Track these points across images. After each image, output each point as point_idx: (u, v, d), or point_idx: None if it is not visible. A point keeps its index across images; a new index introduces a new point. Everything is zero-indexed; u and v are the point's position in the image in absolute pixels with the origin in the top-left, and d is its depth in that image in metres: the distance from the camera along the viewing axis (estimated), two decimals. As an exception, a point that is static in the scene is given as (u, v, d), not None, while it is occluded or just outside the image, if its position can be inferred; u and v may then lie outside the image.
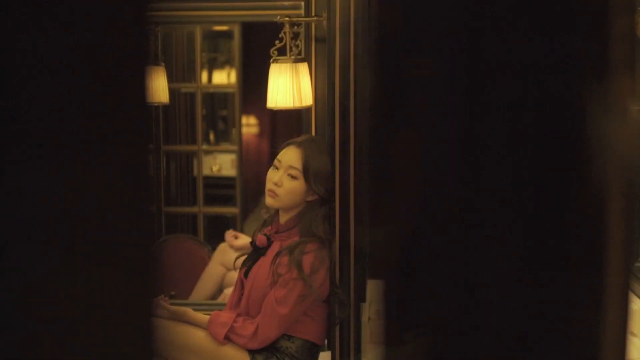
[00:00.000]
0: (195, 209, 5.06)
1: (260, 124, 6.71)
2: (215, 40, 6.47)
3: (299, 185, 2.84)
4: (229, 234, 3.89)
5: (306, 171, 2.83)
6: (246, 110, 6.20)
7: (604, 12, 0.58)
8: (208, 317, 2.85)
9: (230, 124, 6.33)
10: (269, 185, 2.86)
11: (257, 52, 6.11)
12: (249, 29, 5.54)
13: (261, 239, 2.91)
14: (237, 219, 5.05)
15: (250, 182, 6.15)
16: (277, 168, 2.87)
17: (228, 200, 5.84)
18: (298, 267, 2.73)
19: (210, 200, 5.43)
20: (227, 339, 2.80)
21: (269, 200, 2.88)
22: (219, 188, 5.80)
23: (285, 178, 2.84)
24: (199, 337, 2.82)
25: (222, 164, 6.23)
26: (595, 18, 0.57)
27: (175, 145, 5.40)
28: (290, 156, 2.86)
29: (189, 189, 5.57)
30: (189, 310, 2.88)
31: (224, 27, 6.08)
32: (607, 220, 0.60)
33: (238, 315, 2.84)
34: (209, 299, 3.78)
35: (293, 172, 2.84)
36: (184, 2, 3.96)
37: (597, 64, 0.57)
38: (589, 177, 0.59)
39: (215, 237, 4.63)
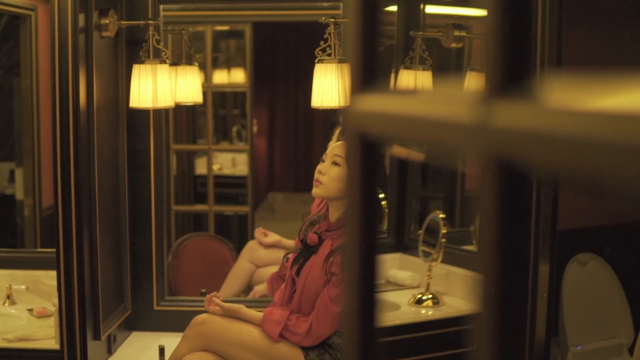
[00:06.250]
0: (205, 207, 5.06)
1: (259, 123, 6.72)
2: (215, 40, 6.46)
3: (342, 171, 2.89)
4: (258, 232, 3.89)
5: None
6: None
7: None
8: (261, 314, 2.87)
9: (230, 124, 6.32)
10: (315, 175, 2.92)
11: (261, 52, 6.12)
12: (256, 28, 5.55)
13: (312, 238, 2.94)
14: (249, 218, 5.07)
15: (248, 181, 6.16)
16: (323, 161, 2.94)
17: (231, 199, 5.85)
18: None
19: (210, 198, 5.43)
20: (281, 336, 2.82)
21: (314, 190, 2.93)
22: (223, 187, 5.81)
23: (329, 167, 2.90)
24: (253, 334, 2.84)
25: (222, 162, 6.23)
26: None
27: (184, 144, 5.39)
28: (335, 147, 2.94)
29: (190, 188, 5.57)
30: (243, 307, 2.89)
31: (225, 27, 6.08)
32: None
33: (291, 312, 2.87)
34: (238, 295, 3.78)
35: (337, 159, 2.90)
36: (196, 2, 3.93)
37: None
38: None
39: (222, 236, 4.63)
